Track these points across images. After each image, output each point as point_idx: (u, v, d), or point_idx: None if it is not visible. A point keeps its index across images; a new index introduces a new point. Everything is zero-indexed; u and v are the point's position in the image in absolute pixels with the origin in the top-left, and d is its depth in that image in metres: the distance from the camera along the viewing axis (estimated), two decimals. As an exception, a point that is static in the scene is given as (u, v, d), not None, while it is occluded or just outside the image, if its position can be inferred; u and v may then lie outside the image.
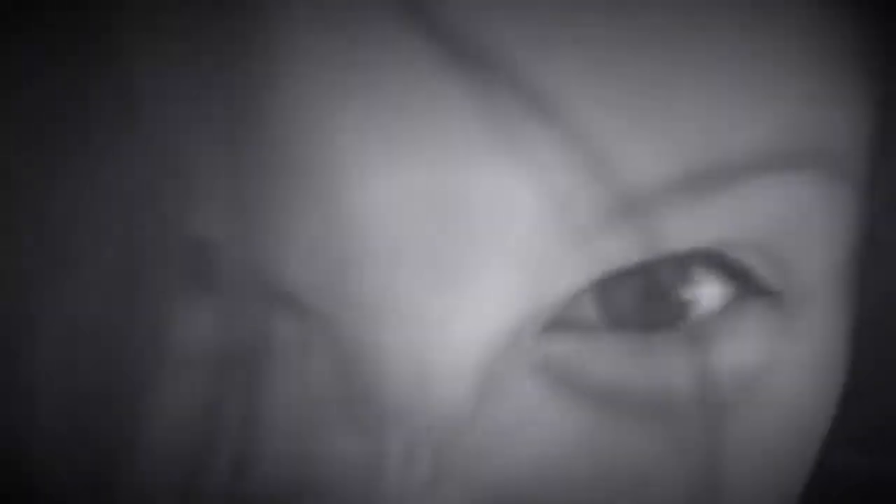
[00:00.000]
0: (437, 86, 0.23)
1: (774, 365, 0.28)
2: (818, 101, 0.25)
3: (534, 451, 0.26)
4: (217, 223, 0.24)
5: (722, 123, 0.24)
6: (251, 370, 0.24)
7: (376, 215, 0.24)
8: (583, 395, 0.26)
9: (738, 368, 0.27)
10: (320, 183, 0.24)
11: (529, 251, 0.24)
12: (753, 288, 0.27)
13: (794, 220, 0.26)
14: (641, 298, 0.26)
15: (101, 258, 0.24)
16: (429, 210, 0.24)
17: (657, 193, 0.24)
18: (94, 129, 0.24)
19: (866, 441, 0.34)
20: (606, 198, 0.24)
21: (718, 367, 0.27)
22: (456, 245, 0.24)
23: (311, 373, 0.25)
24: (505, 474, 0.26)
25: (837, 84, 0.26)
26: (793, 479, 0.29)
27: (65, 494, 0.25)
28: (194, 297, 0.25)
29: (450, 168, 0.23)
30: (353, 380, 0.25)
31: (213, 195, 0.24)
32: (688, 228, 0.25)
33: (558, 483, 0.26)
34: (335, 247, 0.24)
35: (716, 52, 0.24)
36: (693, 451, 0.27)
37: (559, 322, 0.26)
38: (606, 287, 0.26)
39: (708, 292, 0.27)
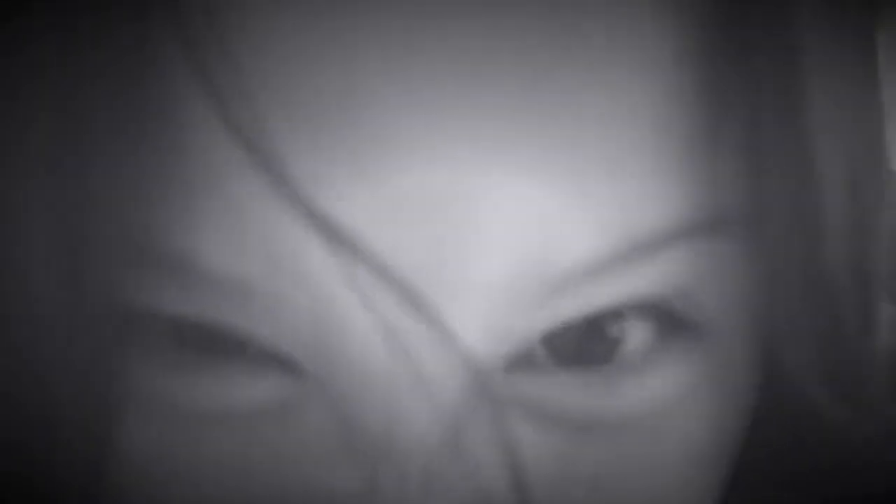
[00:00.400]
0: None
1: (694, 386, 0.33)
2: (707, 180, 0.31)
3: (506, 468, 0.31)
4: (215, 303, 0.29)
5: (639, 206, 0.30)
6: (251, 425, 0.31)
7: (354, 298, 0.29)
8: (540, 417, 0.32)
9: (664, 391, 0.33)
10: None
11: (490, 317, 0.30)
12: (675, 323, 0.33)
13: (704, 269, 0.32)
14: (580, 340, 0.32)
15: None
16: (402, 299, 0.29)
17: (591, 270, 0.30)
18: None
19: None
20: (550, 277, 0.30)
21: (649, 391, 0.32)
22: (426, 320, 0.29)
23: (308, 422, 0.31)
24: (485, 487, 0.31)
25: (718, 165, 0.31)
26: (706, 480, 0.34)
27: None
28: (198, 361, 0.31)
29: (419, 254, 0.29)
30: (346, 425, 0.30)
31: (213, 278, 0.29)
32: (619, 288, 0.31)
33: (530, 490, 0.31)
34: (326, 320, 0.29)
35: (627, 150, 0.29)
36: (635, 460, 0.32)
37: (517, 362, 0.31)
38: (552, 333, 0.31)
39: (636, 331, 0.32)
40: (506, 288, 0.29)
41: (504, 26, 0.28)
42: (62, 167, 0.28)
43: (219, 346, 0.30)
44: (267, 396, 0.31)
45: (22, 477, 0.30)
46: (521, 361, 0.31)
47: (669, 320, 0.32)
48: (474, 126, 0.28)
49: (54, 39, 0.28)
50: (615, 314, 0.32)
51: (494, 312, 0.30)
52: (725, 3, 0.30)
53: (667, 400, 0.33)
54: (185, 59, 0.28)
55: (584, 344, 0.32)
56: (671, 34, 0.30)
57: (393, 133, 0.28)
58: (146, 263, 0.29)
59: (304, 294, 0.29)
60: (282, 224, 0.28)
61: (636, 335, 0.32)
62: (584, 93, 0.29)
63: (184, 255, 0.29)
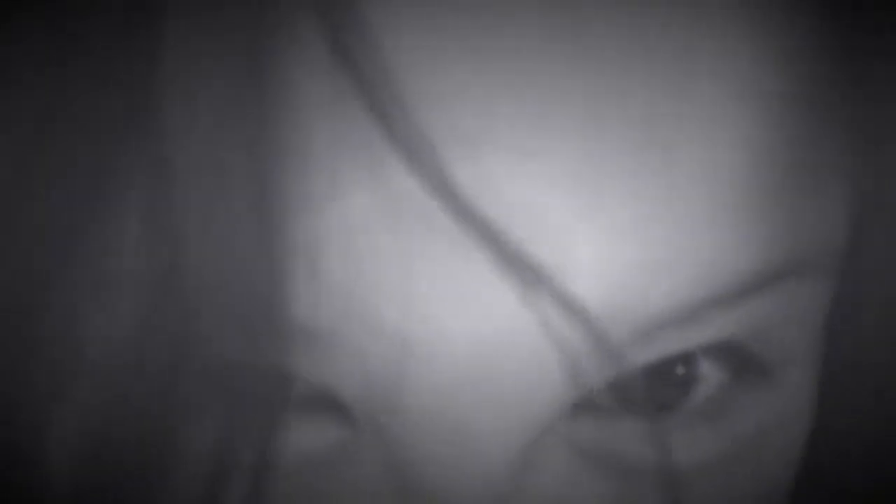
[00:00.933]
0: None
1: (770, 420, 0.31)
2: (799, 223, 0.29)
3: None
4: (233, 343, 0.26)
5: (723, 256, 0.28)
6: (300, 473, 0.28)
7: (426, 339, 0.27)
8: (605, 466, 0.30)
9: (737, 435, 0.31)
10: (364, 308, 0.27)
11: (562, 366, 0.28)
12: (751, 365, 0.31)
13: (783, 311, 0.30)
14: (649, 385, 0.30)
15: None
16: (469, 340, 0.27)
17: (667, 322, 0.28)
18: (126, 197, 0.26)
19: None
20: (626, 331, 0.28)
21: (721, 436, 0.31)
22: (497, 372, 0.27)
23: (363, 470, 0.29)
24: None
25: (814, 205, 0.29)
26: None
27: None
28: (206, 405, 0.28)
29: (487, 312, 0.27)
30: (403, 472, 0.28)
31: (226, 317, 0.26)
32: (693, 336, 0.29)
33: None
34: (381, 362, 0.27)
35: (720, 194, 0.28)
36: None
37: (583, 407, 0.30)
38: (619, 378, 0.29)
39: (708, 373, 0.31)
40: (582, 340, 0.27)
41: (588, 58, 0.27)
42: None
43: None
44: (319, 444, 0.29)
45: None
46: (586, 406, 0.30)
47: (745, 363, 0.31)
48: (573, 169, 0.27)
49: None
50: (687, 358, 0.30)
51: (564, 365, 0.28)
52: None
53: (738, 444, 0.31)
54: (331, 46, 0.26)
55: (653, 389, 0.30)
56: (771, 66, 0.28)
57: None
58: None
59: (377, 340, 0.27)
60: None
61: (710, 379, 0.31)
62: (679, 133, 0.27)
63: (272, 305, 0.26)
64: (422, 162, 0.26)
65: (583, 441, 0.30)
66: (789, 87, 0.28)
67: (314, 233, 0.26)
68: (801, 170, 0.29)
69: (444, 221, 0.26)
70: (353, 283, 0.26)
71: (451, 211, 0.26)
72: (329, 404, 0.29)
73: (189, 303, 0.26)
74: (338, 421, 0.29)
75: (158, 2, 0.26)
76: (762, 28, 0.28)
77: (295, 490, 0.29)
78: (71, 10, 0.26)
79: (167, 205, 0.26)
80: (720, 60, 0.27)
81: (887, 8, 0.29)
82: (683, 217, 0.27)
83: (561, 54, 0.26)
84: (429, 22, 0.26)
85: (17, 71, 0.27)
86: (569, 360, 0.27)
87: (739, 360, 0.31)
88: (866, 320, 0.32)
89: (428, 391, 0.27)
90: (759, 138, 0.28)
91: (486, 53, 0.26)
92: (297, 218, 0.26)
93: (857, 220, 0.31)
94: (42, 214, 0.27)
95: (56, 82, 0.27)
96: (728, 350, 0.30)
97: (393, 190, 0.26)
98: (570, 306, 0.26)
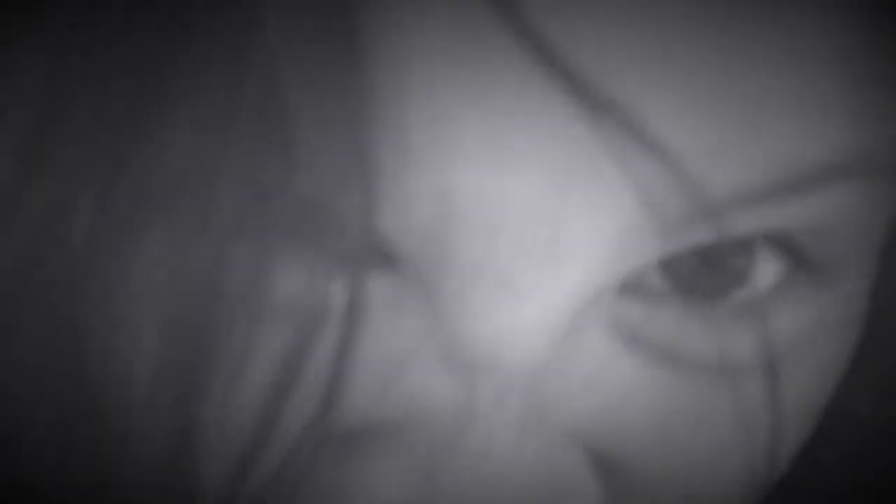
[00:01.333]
0: (559, 108, 0.26)
1: (817, 326, 0.31)
2: (872, 118, 0.29)
3: (606, 398, 0.29)
4: (320, 184, 0.26)
5: (793, 143, 0.28)
6: (343, 322, 0.27)
7: (478, 193, 0.27)
8: (648, 351, 0.30)
9: (789, 333, 0.31)
10: (427, 159, 0.27)
11: (615, 234, 0.27)
12: (804, 262, 0.30)
13: (845, 210, 0.30)
14: (703, 269, 0.30)
15: (204, 212, 0.26)
16: (529, 194, 0.27)
17: (731, 201, 0.28)
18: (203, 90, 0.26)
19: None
20: (688, 205, 0.27)
21: (773, 332, 0.30)
22: (551, 224, 0.27)
23: (403, 326, 0.28)
24: (580, 419, 0.29)
25: (885, 103, 0.29)
26: (811, 426, 0.33)
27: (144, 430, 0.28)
28: (293, 253, 0.28)
29: (551, 164, 0.27)
30: (444, 333, 0.28)
31: (317, 157, 0.26)
32: (754, 220, 0.29)
33: (624, 428, 0.30)
34: (437, 214, 0.27)
35: (794, 83, 0.27)
36: (747, 407, 0.30)
37: (631, 287, 0.29)
38: (673, 258, 0.29)
39: (764, 265, 0.30)
40: (637, 207, 0.27)
41: None
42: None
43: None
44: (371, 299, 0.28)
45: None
46: (636, 286, 0.30)
47: (800, 259, 0.30)
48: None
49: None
50: (743, 246, 0.30)
51: (617, 233, 0.27)
52: None
53: (783, 345, 0.31)
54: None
55: (706, 273, 0.30)
56: None
57: None
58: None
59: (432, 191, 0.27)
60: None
61: (763, 272, 0.30)
62: (759, 24, 0.27)
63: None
64: None
65: (627, 324, 0.30)
66: None
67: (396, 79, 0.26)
68: (879, 65, 0.29)
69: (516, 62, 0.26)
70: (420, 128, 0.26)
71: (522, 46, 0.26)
72: (381, 258, 0.28)
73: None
74: (388, 274, 0.28)
75: None
76: None
77: (337, 332, 0.28)
78: None
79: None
80: None
81: None
82: (752, 100, 0.27)
83: None
84: None
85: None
86: (646, 205, 0.27)
87: (794, 255, 0.30)
88: None
89: (480, 244, 0.27)
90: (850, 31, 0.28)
91: None
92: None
93: None
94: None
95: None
96: (785, 243, 0.30)
97: (462, 18, 0.26)
98: (649, 143, 0.26)
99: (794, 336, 0.31)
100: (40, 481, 0.30)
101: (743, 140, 0.27)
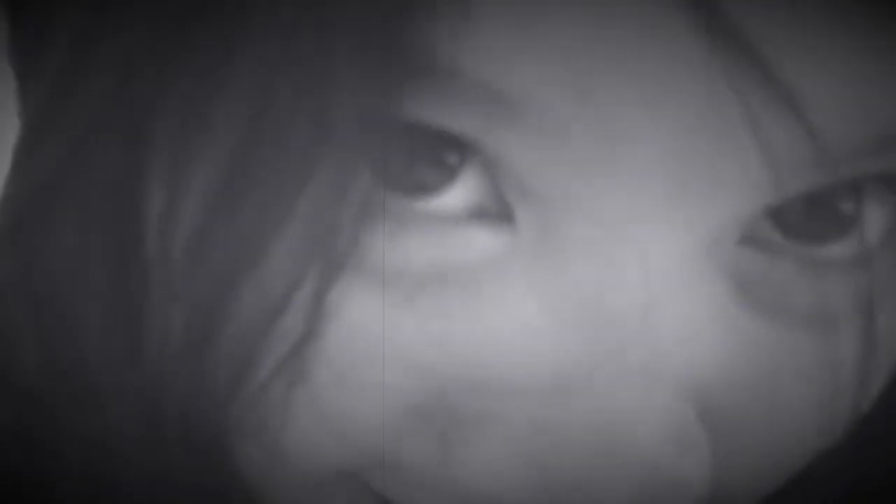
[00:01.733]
0: (704, 70, 0.26)
1: None
2: None
3: (717, 349, 0.29)
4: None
5: None
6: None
7: (601, 136, 0.27)
8: (758, 301, 0.30)
9: (890, 274, 0.31)
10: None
11: (736, 184, 0.28)
12: None
13: None
14: (812, 216, 0.30)
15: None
16: (653, 141, 0.27)
17: (850, 152, 0.28)
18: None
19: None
20: (807, 154, 0.27)
21: (877, 275, 0.30)
22: (673, 173, 0.27)
23: (515, 281, 0.29)
24: (693, 369, 0.29)
25: None
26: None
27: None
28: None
29: (678, 111, 0.27)
30: (561, 285, 0.28)
31: None
32: (868, 164, 0.28)
33: (732, 380, 0.29)
34: (560, 158, 0.27)
35: None
36: (847, 356, 0.31)
37: (746, 238, 0.29)
38: (784, 204, 0.29)
39: (874, 210, 0.30)
40: (760, 159, 0.27)
41: None
42: None
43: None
44: (481, 250, 0.29)
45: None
46: (748, 236, 0.30)
47: None
48: None
49: None
50: (855, 188, 0.30)
51: (738, 184, 0.28)
52: None
53: (884, 287, 0.31)
54: None
55: (815, 220, 0.30)
56: None
57: None
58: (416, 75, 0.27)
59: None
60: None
61: (875, 214, 0.30)
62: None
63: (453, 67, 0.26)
64: None
65: (742, 274, 0.29)
66: None
67: None
68: None
69: None
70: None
71: None
72: (500, 207, 0.29)
73: None
74: (501, 225, 0.29)
75: None
76: None
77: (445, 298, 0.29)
78: None
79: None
80: None
81: None
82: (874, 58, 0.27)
83: None
84: None
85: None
86: (770, 158, 0.27)
87: None
88: None
89: (600, 191, 0.27)
90: None
91: None
92: None
93: None
94: None
95: None
96: (892, 186, 0.30)
97: None
98: (779, 94, 0.26)
99: (894, 278, 0.31)
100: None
101: (857, 100, 0.27)
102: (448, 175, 0.28)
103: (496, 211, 0.29)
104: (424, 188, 0.28)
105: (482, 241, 0.29)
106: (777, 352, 0.30)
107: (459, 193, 0.29)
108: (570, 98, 0.26)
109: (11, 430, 0.33)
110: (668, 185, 0.27)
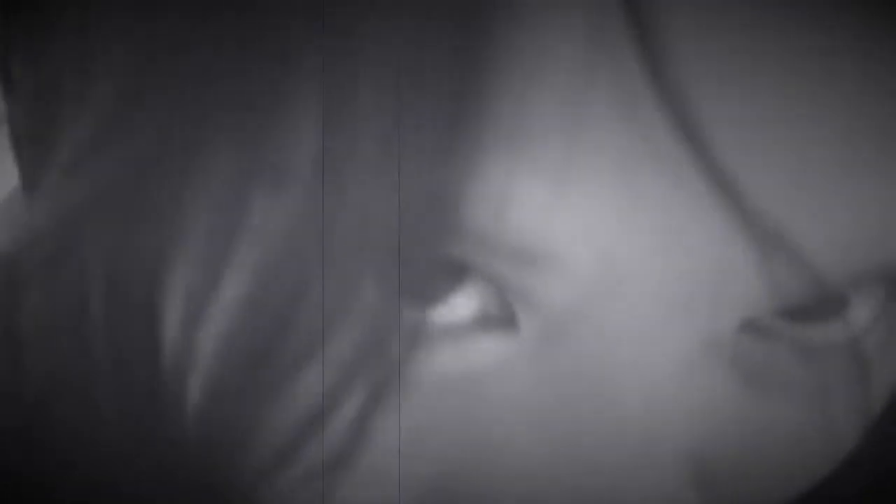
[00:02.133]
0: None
1: None
2: None
3: (727, 426, 0.30)
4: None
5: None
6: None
7: (619, 257, 0.27)
8: (757, 380, 0.30)
9: (880, 340, 0.31)
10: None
11: (737, 302, 0.28)
12: None
13: None
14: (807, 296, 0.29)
15: None
16: (667, 255, 0.27)
17: (851, 280, 0.28)
18: None
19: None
20: (809, 290, 0.28)
21: (868, 345, 0.31)
22: (684, 285, 0.28)
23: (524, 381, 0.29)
24: (692, 442, 0.29)
25: None
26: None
27: None
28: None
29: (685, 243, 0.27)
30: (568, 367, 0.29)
31: None
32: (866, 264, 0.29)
33: (729, 446, 0.30)
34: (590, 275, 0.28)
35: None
36: (837, 417, 0.31)
37: (746, 326, 0.30)
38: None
39: (867, 296, 0.30)
40: (759, 277, 0.28)
41: None
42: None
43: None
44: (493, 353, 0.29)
45: None
46: (748, 325, 0.30)
47: None
48: None
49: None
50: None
51: (741, 293, 0.28)
52: None
53: (875, 350, 0.31)
54: None
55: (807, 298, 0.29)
56: None
57: None
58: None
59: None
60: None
61: (866, 298, 0.30)
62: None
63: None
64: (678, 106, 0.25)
65: (740, 357, 0.30)
66: None
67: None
68: None
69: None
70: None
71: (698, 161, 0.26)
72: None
73: None
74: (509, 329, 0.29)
75: None
76: None
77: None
78: None
79: None
80: None
81: None
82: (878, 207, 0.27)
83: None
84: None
85: None
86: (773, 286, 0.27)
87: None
88: None
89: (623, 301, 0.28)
90: None
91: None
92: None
93: None
94: None
95: None
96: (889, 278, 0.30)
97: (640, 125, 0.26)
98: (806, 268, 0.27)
99: (886, 341, 0.31)
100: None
101: (866, 240, 0.28)
102: (452, 285, 0.29)
103: (500, 315, 0.29)
104: (433, 299, 0.29)
105: (489, 346, 0.29)
106: (772, 420, 0.31)
107: (464, 302, 0.29)
108: (578, 241, 0.27)
109: (11, 430, 0.33)
110: (672, 307, 0.28)
